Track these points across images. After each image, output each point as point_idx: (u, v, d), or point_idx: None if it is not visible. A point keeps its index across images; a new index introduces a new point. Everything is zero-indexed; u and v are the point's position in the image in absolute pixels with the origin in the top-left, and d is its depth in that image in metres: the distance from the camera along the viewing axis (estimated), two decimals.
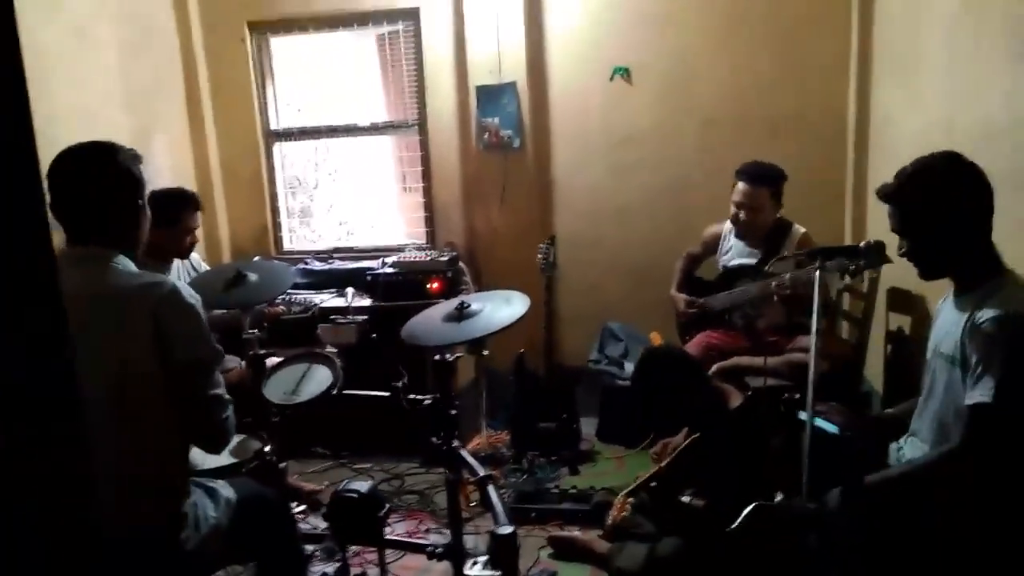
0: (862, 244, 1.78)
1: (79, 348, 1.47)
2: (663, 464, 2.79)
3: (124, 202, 1.61)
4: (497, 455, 3.45)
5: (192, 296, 1.59)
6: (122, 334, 1.52)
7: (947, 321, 1.75)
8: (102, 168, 1.59)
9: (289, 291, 3.65)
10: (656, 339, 3.65)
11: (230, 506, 1.71)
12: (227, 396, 1.65)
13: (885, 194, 1.73)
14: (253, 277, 2.22)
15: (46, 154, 1.81)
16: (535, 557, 2.60)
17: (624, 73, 3.89)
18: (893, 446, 1.88)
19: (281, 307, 3.06)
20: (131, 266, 1.61)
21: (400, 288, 3.60)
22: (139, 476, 1.55)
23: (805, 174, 3.56)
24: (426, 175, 4.19)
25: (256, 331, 2.15)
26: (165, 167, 3.79)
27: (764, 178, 3.01)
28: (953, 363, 1.67)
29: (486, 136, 3.96)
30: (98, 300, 1.53)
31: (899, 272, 1.91)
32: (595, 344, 3.90)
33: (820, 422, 1.68)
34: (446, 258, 3.69)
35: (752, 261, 3.11)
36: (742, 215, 3.05)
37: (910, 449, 1.81)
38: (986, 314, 1.60)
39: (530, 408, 3.48)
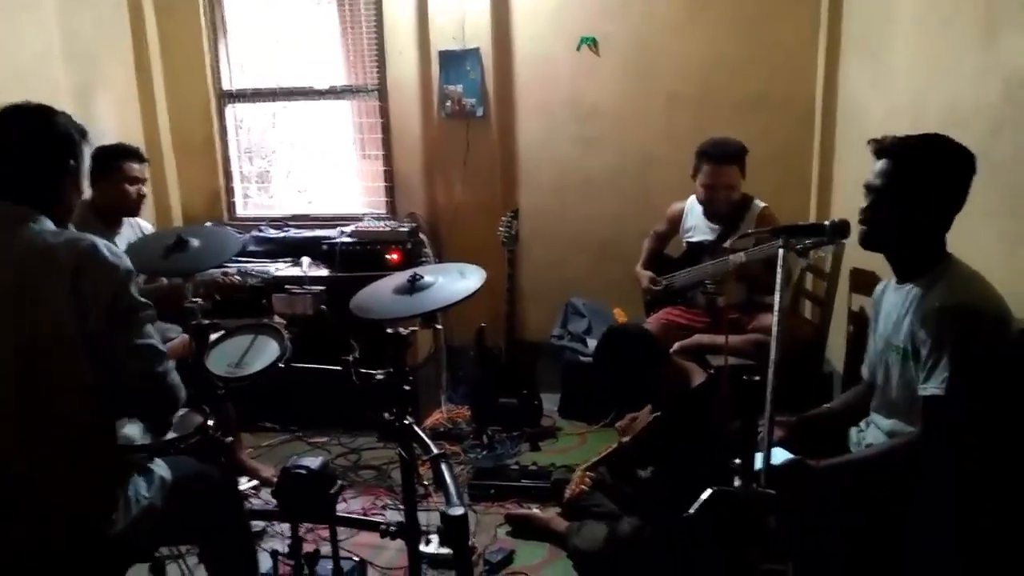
0: (827, 222, 1.73)
1: None
2: (625, 440, 2.77)
3: (52, 164, 1.53)
4: (457, 430, 3.41)
5: (114, 255, 1.48)
6: (36, 295, 1.42)
7: (892, 311, 1.74)
8: (35, 126, 1.53)
9: (241, 259, 3.54)
10: (620, 315, 3.62)
11: (165, 486, 1.62)
12: (162, 348, 1.54)
13: (889, 147, 1.66)
14: (195, 243, 2.10)
15: None
16: (493, 535, 2.58)
17: (591, 43, 3.80)
18: (854, 430, 1.88)
19: (236, 277, 2.93)
20: (50, 226, 1.50)
21: (358, 258, 3.52)
22: (57, 451, 1.46)
23: (770, 154, 3.54)
24: (386, 143, 4.07)
25: (200, 300, 2.04)
26: (111, 128, 3.60)
27: (730, 156, 2.97)
28: (906, 355, 1.66)
29: (448, 104, 3.85)
30: (10, 260, 1.43)
31: (862, 253, 1.88)
32: (558, 319, 3.86)
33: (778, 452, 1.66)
34: (406, 229, 3.61)
35: (712, 237, 3.08)
36: (719, 195, 2.99)
37: (871, 434, 1.80)
38: (933, 303, 1.59)
39: (491, 383, 3.45)
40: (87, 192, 2.46)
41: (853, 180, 3.06)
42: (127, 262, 1.50)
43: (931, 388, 1.57)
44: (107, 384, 1.48)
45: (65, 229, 1.53)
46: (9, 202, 1.49)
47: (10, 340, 1.42)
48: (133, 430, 1.88)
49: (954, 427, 1.56)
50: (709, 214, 3.10)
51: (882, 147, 1.68)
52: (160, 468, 1.65)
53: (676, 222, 3.28)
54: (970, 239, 1.78)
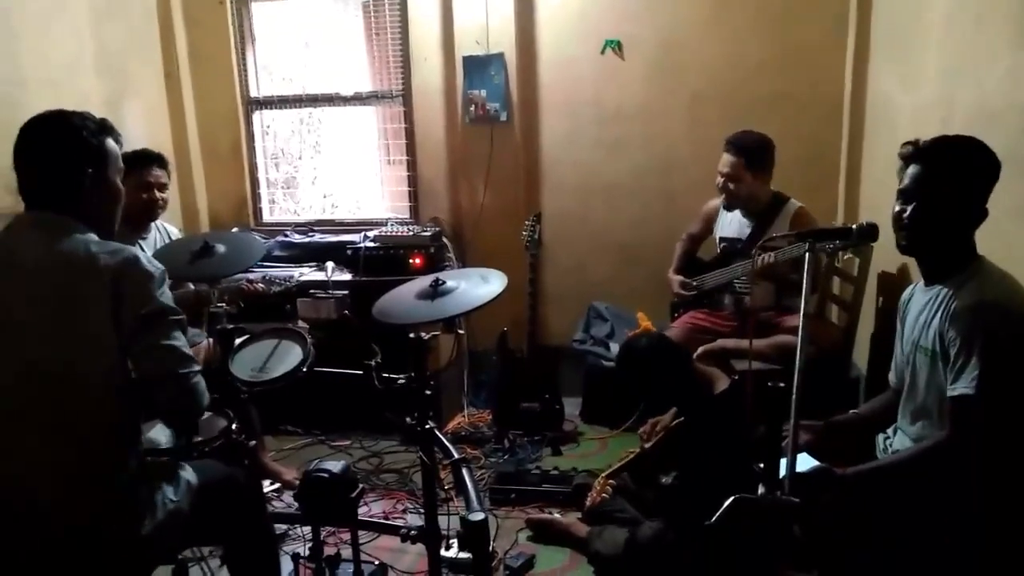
0: (854, 226, 1.70)
1: (27, 319, 1.43)
2: (647, 445, 2.75)
3: (69, 170, 1.54)
4: (479, 434, 3.41)
5: (153, 265, 1.52)
6: (77, 301, 1.45)
7: (920, 313, 1.71)
8: (51, 135, 1.55)
9: (267, 263, 3.58)
10: (643, 320, 3.59)
11: (191, 490, 1.64)
12: (189, 352, 1.56)
13: (921, 152, 1.65)
14: (221, 249, 2.13)
15: (11, 117, 1.76)
16: (513, 539, 2.56)
17: (616, 46, 3.78)
18: (880, 436, 1.84)
19: (261, 285, 2.96)
20: (94, 237, 1.54)
21: (381, 263, 3.53)
22: (83, 453, 1.48)
23: (798, 153, 3.49)
24: (410, 148, 4.09)
25: (224, 305, 2.06)
26: (140, 134, 3.66)
27: (741, 148, 2.96)
28: (934, 357, 1.64)
29: (472, 109, 3.85)
30: (54, 268, 1.47)
31: (890, 256, 1.85)
32: (580, 324, 3.84)
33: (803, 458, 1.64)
34: (429, 233, 3.62)
35: (743, 236, 3.05)
36: (720, 183, 3.02)
37: (899, 441, 1.76)
38: (962, 303, 1.57)
39: (513, 387, 3.44)
40: None
41: (882, 179, 3.02)
42: (162, 268, 1.54)
43: (960, 388, 1.54)
44: (135, 387, 1.50)
45: (110, 241, 1.56)
46: (51, 212, 1.52)
47: (50, 343, 1.45)
48: (158, 434, 1.91)
49: (984, 426, 1.53)
50: (725, 204, 3.09)
51: (918, 152, 1.65)
52: (186, 472, 1.67)
53: (711, 220, 3.25)
54: (1000, 238, 1.74)
